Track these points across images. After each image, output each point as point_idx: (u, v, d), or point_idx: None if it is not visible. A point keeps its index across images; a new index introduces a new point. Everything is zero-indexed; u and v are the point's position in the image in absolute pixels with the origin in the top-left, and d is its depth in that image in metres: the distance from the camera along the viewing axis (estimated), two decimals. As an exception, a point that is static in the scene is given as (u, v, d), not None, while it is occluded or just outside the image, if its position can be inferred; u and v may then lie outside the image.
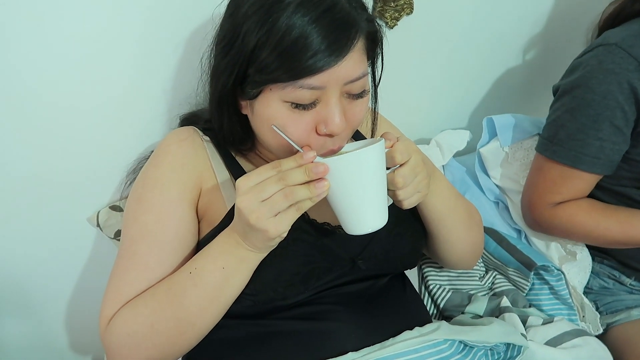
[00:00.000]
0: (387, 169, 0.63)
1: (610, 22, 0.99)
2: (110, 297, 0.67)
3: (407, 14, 1.04)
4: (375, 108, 0.79)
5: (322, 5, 0.59)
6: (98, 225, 0.93)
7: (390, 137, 0.64)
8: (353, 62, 0.61)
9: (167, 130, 0.91)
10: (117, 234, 0.94)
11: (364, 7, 0.65)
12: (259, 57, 0.60)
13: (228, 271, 0.63)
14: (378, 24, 0.67)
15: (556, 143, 0.95)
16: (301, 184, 0.56)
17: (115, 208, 0.94)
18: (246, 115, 0.70)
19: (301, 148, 0.61)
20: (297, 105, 0.62)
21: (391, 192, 0.65)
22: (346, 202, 0.60)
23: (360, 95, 0.65)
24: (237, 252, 0.62)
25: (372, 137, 0.83)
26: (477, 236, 0.85)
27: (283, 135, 0.61)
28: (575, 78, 0.94)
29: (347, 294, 0.73)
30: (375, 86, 0.75)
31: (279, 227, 0.57)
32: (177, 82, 0.88)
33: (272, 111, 0.63)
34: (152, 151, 0.79)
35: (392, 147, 0.63)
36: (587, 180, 0.95)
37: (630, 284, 1.03)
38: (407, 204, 0.66)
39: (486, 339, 0.73)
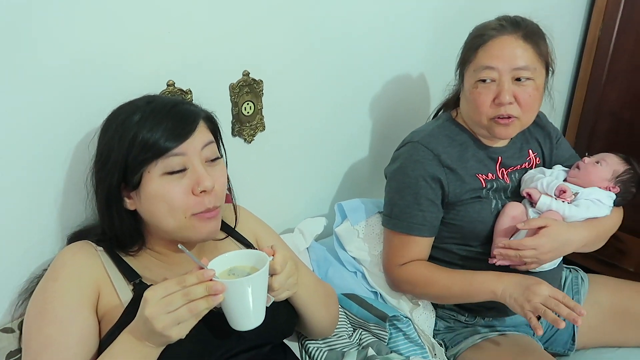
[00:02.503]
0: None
1: (444, 108, 1.36)
2: None
3: (261, 131, 1.27)
4: (234, 199, 1.00)
5: (166, 107, 0.83)
6: (-11, 350, 0.93)
7: (268, 250, 0.79)
8: (200, 135, 0.84)
9: (57, 249, 0.98)
10: (10, 355, 0.93)
11: (197, 106, 0.90)
12: (132, 154, 0.80)
13: None
14: (211, 113, 0.91)
15: (394, 217, 1.22)
16: (201, 298, 0.68)
17: (7, 330, 0.94)
18: (134, 213, 0.85)
19: (200, 261, 0.73)
20: (171, 172, 0.81)
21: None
22: (235, 309, 0.74)
23: (215, 160, 0.87)
24: (140, 349, 0.71)
25: (235, 223, 1.01)
26: (334, 311, 1.06)
27: (186, 252, 0.75)
28: (396, 167, 1.24)
29: None
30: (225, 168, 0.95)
31: (181, 333, 0.69)
32: (66, 202, 0.98)
33: (155, 186, 0.81)
34: (45, 269, 0.87)
35: (272, 256, 0.78)
36: (420, 244, 1.22)
37: (465, 320, 1.29)
38: (278, 299, 0.82)
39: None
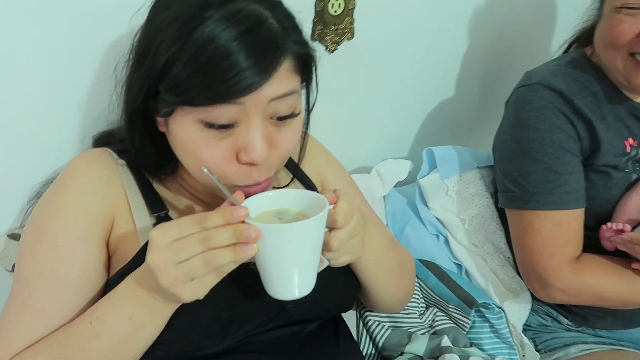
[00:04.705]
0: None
1: (576, 42, 1.05)
2: None
3: (348, 38, 1.03)
4: (306, 133, 0.74)
5: (247, 22, 0.54)
6: (-7, 255, 0.83)
7: (330, 193, 0.58)
8: (278, 81, 0.56)
9: (79, 151, 0.83)
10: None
11: (295, 28, 0.60)
12: (170, 74, 0.54)
13: (136, 323, 0.55)
14: (311, 46, 0.63)
15: (534, 192, 0.91)
16: (225, 246, 0.50)
17: (15, 237, 0.84)
18: (164, 133, 0.63)
19: (232, 195, 0.54)
20: (211, 126, 0.56)
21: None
22: (274, 269, 0.55)
23: (289, 116, 0.59)
24: (147, 301, 0.55)
25: (298, 161, 0.78)
26: (407, 285, 0.84)
27: (214, 180, 0.54)
28: (514, 122, 0.96)
29: (273, 341, 0.67)
30: (308, 111, 0.69)
31: (194, 294, 0.51)
32: (93, 96, 0.82)
33: (185, 132, 0.57)
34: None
35: (335, 204, 0.57)
36: (579, 218, 0.92)
37: (567, 324, 1.03)
38: (334, 264, 0.61)
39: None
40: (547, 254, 0.91)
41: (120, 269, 0.63)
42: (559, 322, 1.03)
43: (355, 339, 0.85)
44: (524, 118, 0.93)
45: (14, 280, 0.63)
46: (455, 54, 1.27)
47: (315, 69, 0.64)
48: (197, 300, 0.53)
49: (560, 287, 0.91)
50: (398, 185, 1.17)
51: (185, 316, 0.58)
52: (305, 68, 0.62)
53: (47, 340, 0.58)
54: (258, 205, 0.57)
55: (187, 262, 0.49)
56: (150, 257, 0.50)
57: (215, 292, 0.54)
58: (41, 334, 0.59)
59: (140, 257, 0.60)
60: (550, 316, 1.04)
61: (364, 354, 0.91)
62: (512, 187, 0.94)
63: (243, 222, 0.50)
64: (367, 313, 0.93)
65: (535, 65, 1.02)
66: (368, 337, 0.92)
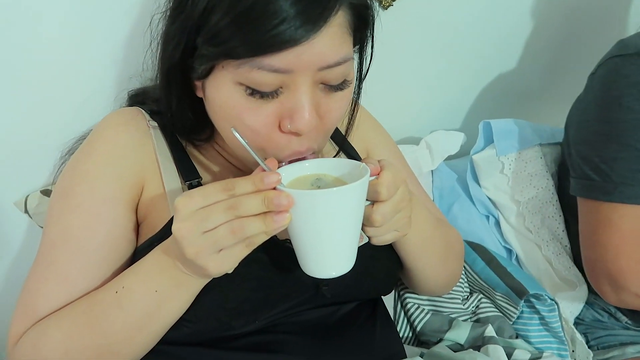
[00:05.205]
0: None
1: None
2: (22, 311, 0.58)
3: None
4: (356, 102, 0.68)
5: None
6: (26, 211, 0.82)
7: (374, 163, 0.53)
8: (331, 41, 0.49)
9: (113, 109, 0.79)
10: (49, 223, 0.83)
11: None
12: (209, 23, 0.49)
13: (161, 296, 0.53)
14: None
15: (619, 183, 0.80)
16: (255, 215, 0.46)
17: (48, 193, 0.84)
18: (202, 99, 0.58)
19: (264, 162, 0.49)
20: (254, 92, 0.50)
21: (363, 225, 0.54)
22: (308, 242, 0.50)
23: (340, 87, 0.54)
24: (173, 274, 0.52)
25: (346, 132, 0.72)
26: (454, 268, 0.78)
27: (243, 143, 0.49)
28: (600, 99, 0.83)
29: (306, 322, 0.63)
30: (360, 79, 0.63)
31: (222, 267, 0.48)
32: (128, 52, 0.77)
33: (223, 96, 0.52)
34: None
35: (377, 175, 0.52)
36: None
37: (626, 322, 0.94)
38: (377, 242, 0.56)
39: (468, 382, 0.63)
40: (625, 255, 0.80)
41: (149, 238, 0.60)
42: (616, 319, 0.94)
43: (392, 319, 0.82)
44: (616, 95, 0.81)
45: (40, 244, 0.62)
46: (524, 14, 1.16)
47: (373, 27, 0.57)
48: (228, 279, 0.50)
49: (636, 292, 0.80)
50: (448, 159, 1.09)
51: (214, 295, 0.55)
52: (361, 25, 0.55)
53: (71, 306, 0.56)
54: (293, 172, 0.53)
55: (213, 231, 0.46)
56: (175, 225, 0.47)
57: (247, 271, 0.50)
58: (65, 300, 0.57)
59: (169, 228, 0.56)
60: (607, 312, 0.95)
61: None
62: (592, 174, 0.83)
63: (275, 189, 0.46)
64: (406, 294, 0.88)
65: (621, 33, 0.91)
66: (406, 320, 0.87)
